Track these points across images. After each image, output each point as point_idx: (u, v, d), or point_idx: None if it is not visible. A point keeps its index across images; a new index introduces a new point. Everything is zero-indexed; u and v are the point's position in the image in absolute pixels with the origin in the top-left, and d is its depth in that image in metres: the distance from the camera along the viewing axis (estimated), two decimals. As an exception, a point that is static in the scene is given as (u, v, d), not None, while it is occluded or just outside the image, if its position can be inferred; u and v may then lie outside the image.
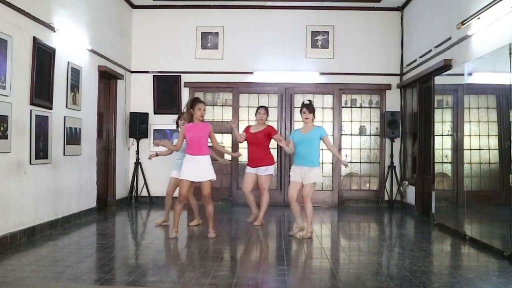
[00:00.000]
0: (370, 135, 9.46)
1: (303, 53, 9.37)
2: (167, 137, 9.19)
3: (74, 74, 6.87)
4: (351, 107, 9.47)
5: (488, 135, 5.70)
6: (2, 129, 5.06)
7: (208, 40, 9.44)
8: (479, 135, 5.88)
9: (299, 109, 6.29)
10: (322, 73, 9.33)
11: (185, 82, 9.37)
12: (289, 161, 9.32)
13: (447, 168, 6.84)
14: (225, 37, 9.42)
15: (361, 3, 9.15)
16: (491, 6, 5.53)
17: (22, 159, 5.52)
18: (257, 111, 7.18)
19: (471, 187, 6.04)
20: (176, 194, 6.48)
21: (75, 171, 6.97)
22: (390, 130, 8.95)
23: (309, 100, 6.32)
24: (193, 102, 5.89)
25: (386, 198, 9.19)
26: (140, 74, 9.45)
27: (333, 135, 9.35)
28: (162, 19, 9.49)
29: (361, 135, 9.46)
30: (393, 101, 9.29)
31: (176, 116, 9.18)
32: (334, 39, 9.34)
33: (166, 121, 9.21)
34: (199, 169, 5.77)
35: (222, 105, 9.50)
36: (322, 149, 9.33)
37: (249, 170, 7.05)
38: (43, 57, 5.92)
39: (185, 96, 9.38)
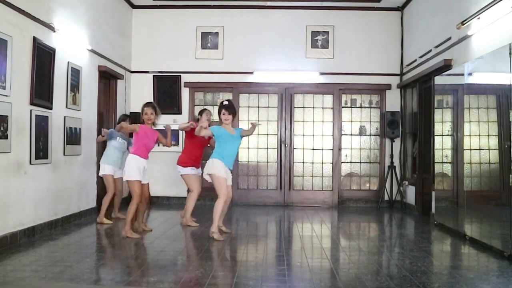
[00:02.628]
0: (370, 135, 9.46)
1: (303, 53, 9.37)
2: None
3: (74, 74, 6.87)
4: (351, 107, 9.47)
5: (488, 135, 5.70)
6: (2, 129, 5.06)
7: (208, 40, 9.44)
8: (479, 135, 5.88)
9: (218, 109, 6.15)
10: (322, 73, 9.33)
11: (185, 82, 9.37)
12: (290, 161, 9.33)
13: (447, 168, 6.84)
14: (225, 37, 9.42)
15: (361, 3, 9.15)
16: (491, 6, 5.53)
17: (22, 159, 5.52)
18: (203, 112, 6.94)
19: (471, 187, 6.04)
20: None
21: (75, 171, 6.97)
22: (390, 130, 8.94)
23: (228, 100, 6.19)
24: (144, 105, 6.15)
25: (386, 198, 9.19)
26: (140, 74, 9.45)
27: (333, 135, 9.36)
28: (162, 19, 9.49)
29: (361, 135, 9.46)
30: (393, 101, 9.29)
31: (176, 116, 9.28)
32: (334, 39, 9.34)
33: (166, 121, 9.12)
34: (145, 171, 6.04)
35: (222, 105, 9.48)
36: (322, 149, 9.42)
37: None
38: (43, 57, 5.92)
39: (185, 96, 9.39)
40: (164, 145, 6.41)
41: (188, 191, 7.01)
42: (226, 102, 6.12)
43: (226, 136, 5.95)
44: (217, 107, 9.23)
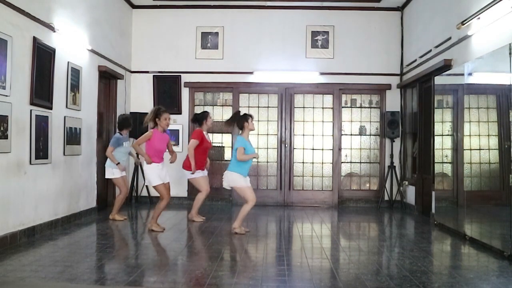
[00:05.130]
0: (370, 135, 9.46)
1: (303, 53, 9.37)
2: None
3: (74, 74, 6.87)
4: (351, 107, 9.47)
5: (488, 135, 5.70)
6: (2, 129, 5.06)
7: (208, 40, 9.44)
8: (479, 135, 5.88)
9: (242, 118, 6.23)
10: (322, 73, 9.33)
11: (185, 82, 9.37)
12: (290, 161, 9.33)
13: (447, 168, 6.84)
14: (225, 37, 9.42)
15: (361, 3, 9.15)
16: (491, 6, 5.53)
17: (22, 159, 5.52)
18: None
19: (471, 187, 6.04)
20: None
21: (75, 171, 6.97)
22: (390, 130, 8.94)
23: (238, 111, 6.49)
24: (159, 111, 6.31)
25: (386, 198, 9.19)
26: (140, 74, 9.45)
27: (333, 135, 9.36)
28: (162, 19, 9.50)
29: (361, 135, 9.46)
30: (393, 101, 9.29)
31: (176, 116, 9.28)
32: (334, 39, 9.34)
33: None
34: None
35: (222, 105, 9.51)
36: (322, 149, 9.43)
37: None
38: (43, 57, 5.92)
39: (185, 96, 9.39)
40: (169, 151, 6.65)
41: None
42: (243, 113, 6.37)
43: (248, 147, 6.20)
44: (218, 107, 9.42)
